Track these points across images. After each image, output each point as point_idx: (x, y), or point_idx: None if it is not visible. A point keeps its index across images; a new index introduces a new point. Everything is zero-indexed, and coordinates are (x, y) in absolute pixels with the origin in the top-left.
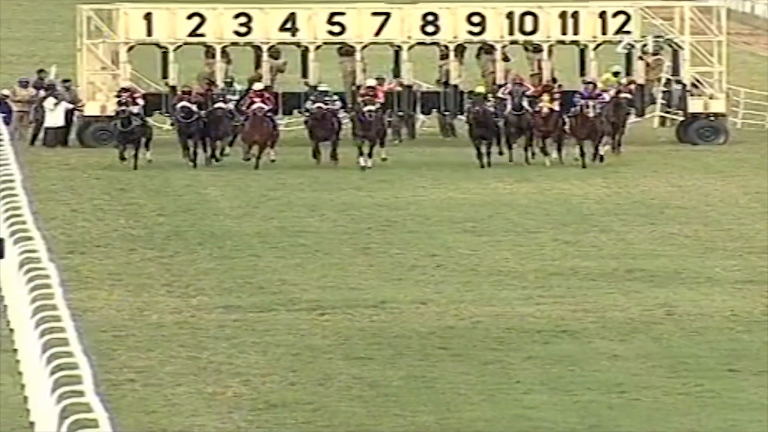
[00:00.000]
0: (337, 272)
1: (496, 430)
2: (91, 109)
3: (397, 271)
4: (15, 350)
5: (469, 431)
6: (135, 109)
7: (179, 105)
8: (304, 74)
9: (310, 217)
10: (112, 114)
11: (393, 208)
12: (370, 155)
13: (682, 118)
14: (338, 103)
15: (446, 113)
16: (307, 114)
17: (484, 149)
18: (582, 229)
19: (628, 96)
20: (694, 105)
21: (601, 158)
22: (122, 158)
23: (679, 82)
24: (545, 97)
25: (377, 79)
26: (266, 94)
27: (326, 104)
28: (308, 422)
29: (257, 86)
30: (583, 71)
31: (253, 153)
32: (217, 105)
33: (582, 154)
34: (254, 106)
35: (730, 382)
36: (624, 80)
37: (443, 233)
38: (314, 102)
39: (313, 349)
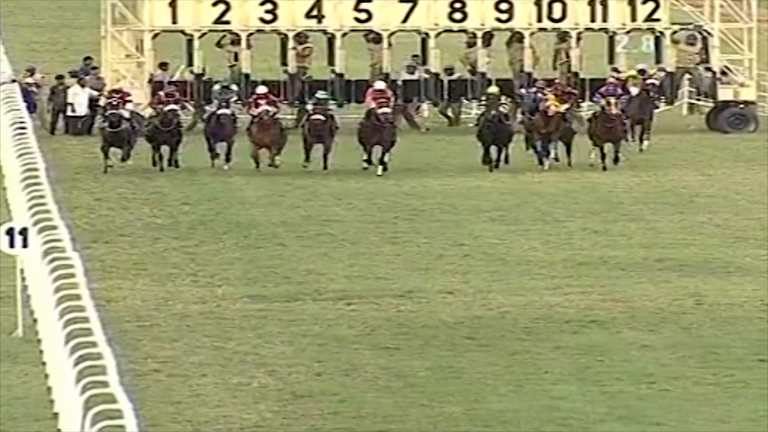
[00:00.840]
0: (364, 261)
1: (524, 421)
2: None
3: (424, 260)
4: (39, 340)
5: (497, 422)
6: (125, 113)
7: (107, 113)
8: (331, 62)
9: (337, 205)
10: (103, 111)
11: (420, 197)
12: (382, 162)
13: (711, 106)
14: (332, 107)
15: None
16: (306, 121)
17: (494, 154)
18: (611, 218)
19: (656, 82)
20: (724, 93)
21: (617, 160)
22: (107, 158)
23: (708, 69)
24: (551, 96)
25: (383, 80)
26: (271, 96)
27: (325, 115)
28: (334, 413)
29: (261, 89)
30: (612, 59)
31: (261, 157)
32: (220, 111)
33: (603, 157)
34: (260, 109)
35: (761, 372)
36: (653, 69)
37: (471, 222)
38: (313, 112)
39: (339, 339)
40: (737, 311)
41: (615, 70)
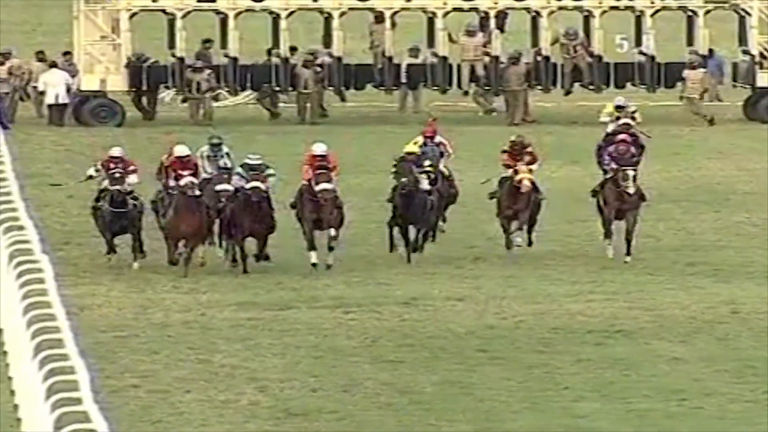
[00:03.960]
0: (364, 265)
1: None
2: (88, 83)
3: (430, 264)
4: (4, 353)
5: None
6: (128, 187)
7: (111, 187)
8: (327, 44)
9: None
10: (101, 179)
11: None
12: (330, 248)
13: (749, 94)
14: (272, 180)
15: (487, 88)
16: (227, 199)
17: (412, 235)
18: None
19: (634, 117)
20: (763, 78)
21: (630, 241)
22: (111, 251)
23: (746, 52)
24: (522, 167)
25: (323, 144)
26: (194, 160)
27: (260, 189)
28: None
29: (180, 150)
30: (639, 41)
31: (180, 251)
32: (220, 187)
33: (609, 236)
34: (182, 182)
35: None
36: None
37: (482, 222)
38: (247, 189)
39: (337, 352)
40: None
41: (619, 107)
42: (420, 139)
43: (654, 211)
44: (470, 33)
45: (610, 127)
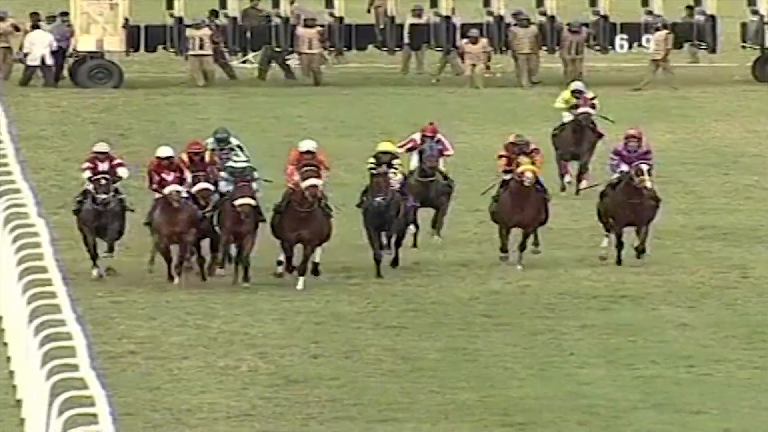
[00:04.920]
0: None
1: (547, 409)
2: (85, 44)
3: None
4: (0, 318)
5: (516, 410)
6: (117, 184)
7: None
8: (328, 3)
9: (336, 166)
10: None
11: None
12: (314, 264)
13: (758, 55)
14: (255, 186)
15: (492, 49)
16: (221, 206)
17: (384, 241)
18: None
19: (594, 107)
20: None
21: (642, 251)
22: (94, 256)
23: (755, 12)
24: (523, 158)
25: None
26: (176, 164)
27: (250, 206)
28: (333, 400)
29: (163, 151)
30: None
31: (165, 261)
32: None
33: (620, 246)
34: (167, 189)
35: None
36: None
37: (487, 185)
38: (234, 194)
39: (338, 318)
40: None
41: (577, 92)
42: (417, 137)
43: (661, 174)
44: None
45: (567, 117)
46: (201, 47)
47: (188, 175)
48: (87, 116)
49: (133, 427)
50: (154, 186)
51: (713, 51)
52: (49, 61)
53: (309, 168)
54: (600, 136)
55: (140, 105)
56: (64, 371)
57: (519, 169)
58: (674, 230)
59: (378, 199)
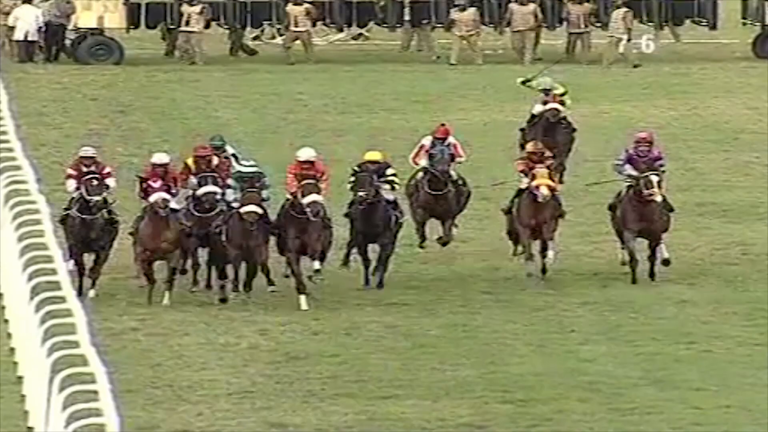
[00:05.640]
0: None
1: (547, 386)
2: (85, 20)
3: None
4: (0, 295)
5: (517, 387)
6: (104, 194)
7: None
8: None
9: (336, 143)
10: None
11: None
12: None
13: (759, 32)
14: (265, 194)
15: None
16: (230, 218)
17: (370, 257)
18: None
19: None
20: None
21: (666, 262)
22: (81, 272)
23: None
24: (540, 170)
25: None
26: (171, 174)
27: (255, 214)
28: (333, 377)
29: (159, 158)
30: None
31: (146, 280)
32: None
33: (633, 263)
34: (153, 197)
35: None
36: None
37: (487, 161)
38: (242, 200)
39: (339, 295)
40: None
41: (545, 91)
42: (427, 141)
43: (662, 151)
44: None
45: (537, 109)
46: (188, 24)
47: (193, 180)
48: (88, 93)
49: (133, 404)
50: (143, 194)
51: (714, 27)
52: (33, 37)
53: (309, 182)
54: (573, 131)
55: (141, 81)
56: (65, 348)
57: (534, 183)
58: (674, 207)
59: (361, 193)
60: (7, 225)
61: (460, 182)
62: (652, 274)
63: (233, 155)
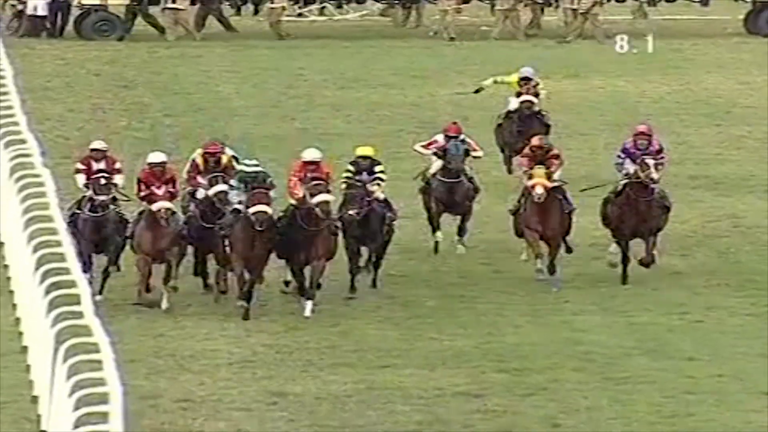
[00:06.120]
0: None
1: (542, 356)
2: None
3: None
4: (5, 266)
5: (512, 357)
6: (113, 192)
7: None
8: None
9: (335, 117)
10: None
11: (428, 108)
12: (315, 288)
13: (750, 7)
14: (272, 194)
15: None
16: (235, 221)
17: (362, 258)
18: None
19: (541, 96)
20: None
21: (652, 260)
22: (91, 278)
23: None
24: (537, 170)
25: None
26: (170, 173)
27: (265, 213)
28: (332, 346)
29: (156, 157)
30: None
31: (144, 284)
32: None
33: (625, 258)
34: (156, 206)
35: None
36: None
37: (484, 135)
38: (250, 200)
39: (338, 266)
40: None
41: (524, 80)
42: (440, 138)
43: (655, 125)
44: None
45: (513, 104)
46: (174, 1)
47: (202, 180)
48: (91, 68)
49: (136, 373)
50: (142, 195)
51: (705, 4)
52: (43, 12)
53: (317, 183)
54: (548, 126)
55: (143, 57)
56: (69, 318)
57: (530, 183)
58: (667, 180)
59: (351, 212)
60: (13, 198)
61: (471, 179)
62: (649, 264)
63: (233, 157)
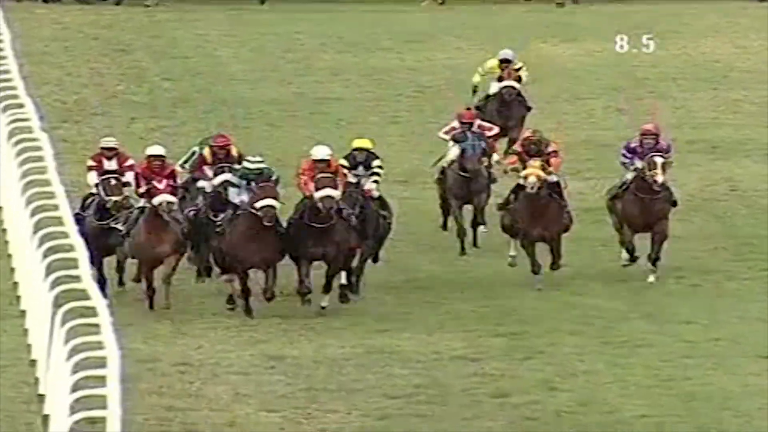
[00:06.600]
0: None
1: (540, 320)
2: None
3: (428, 142)
4: (3, 230)
5: (510, 321)
6: (125, 190)
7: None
8: None
9: (333, 82)
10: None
11: (426, 73)
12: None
13: None
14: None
15: None
16: (235, 218)
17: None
18: (636, 95)
19: (522, 78)
20: None
21: (657, 258)
22: (102, 280)
23: None
24: (533, 161)
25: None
26: (169, 167)
27: (273, 208)
28: (330, 311)
29: (155, 149)
30: None
31: (148, 280)
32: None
33: (631, 250)
34: (157, 199)
35: None
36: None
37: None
38: (252, 199)
39: None
40: None
41: (505, 62)
42: (456, 123)
43: (652, 89)
44: None
45: (494, 88)
46: None
47: (208, 172)
48: (89, 32)
49: (134, 337)
50: (142, 190)
51: None
52: None
53: (324, 176)
54: (528, 109)
55: (141, 21)
56: (67, 282)
57: (524, 173)
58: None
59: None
60: (11, 162)
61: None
62: (654, 264)
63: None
